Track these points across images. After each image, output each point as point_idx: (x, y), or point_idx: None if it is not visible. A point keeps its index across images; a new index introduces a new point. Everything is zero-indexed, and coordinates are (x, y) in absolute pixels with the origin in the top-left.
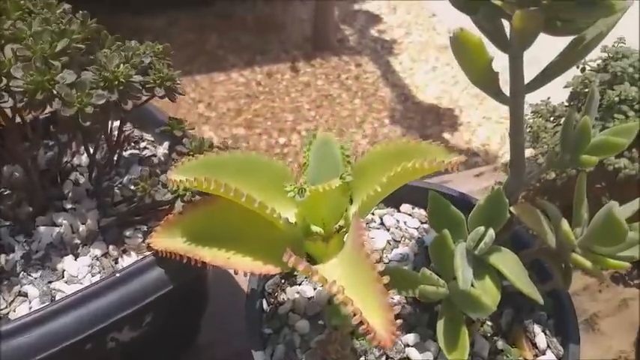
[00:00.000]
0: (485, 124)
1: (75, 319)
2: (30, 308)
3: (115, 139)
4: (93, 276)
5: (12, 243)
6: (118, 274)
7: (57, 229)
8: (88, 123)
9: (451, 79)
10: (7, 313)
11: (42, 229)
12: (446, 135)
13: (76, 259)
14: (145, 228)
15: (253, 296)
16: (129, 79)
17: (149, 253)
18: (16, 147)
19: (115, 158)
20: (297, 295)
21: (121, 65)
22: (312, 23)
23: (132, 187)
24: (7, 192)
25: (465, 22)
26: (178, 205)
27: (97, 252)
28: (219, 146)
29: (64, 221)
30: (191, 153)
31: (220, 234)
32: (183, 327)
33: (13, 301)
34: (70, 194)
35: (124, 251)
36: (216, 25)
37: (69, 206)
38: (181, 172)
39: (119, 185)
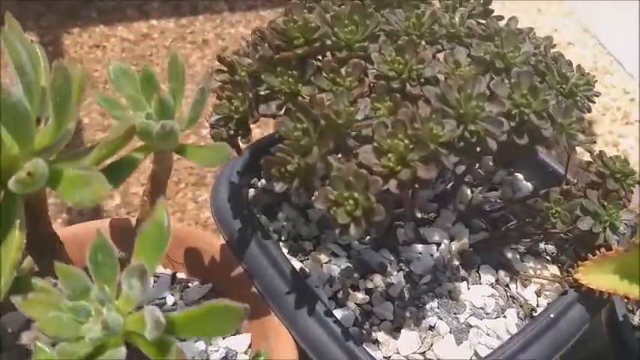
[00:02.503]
0: None
1: None
2: (449, 348)
3: None
4: (503, 310)
5: (381, 260)
6: (551, 315)
7: (433, 248)
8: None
9: None
10: (424, 352)
11: (419, 247)
12: None
13: (468, 287)
14: (521, 248)
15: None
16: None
17: (567, 287)
18: None
19: None
20: None
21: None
22: None
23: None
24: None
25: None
26: (610, 237)
27: (490, 278)
28: None
29: (445, 241)
30: (617, 175)
31: None
32: None
33: (425, 337)
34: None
35: (526, 280)
36: None
37: (419, 216)
38: None
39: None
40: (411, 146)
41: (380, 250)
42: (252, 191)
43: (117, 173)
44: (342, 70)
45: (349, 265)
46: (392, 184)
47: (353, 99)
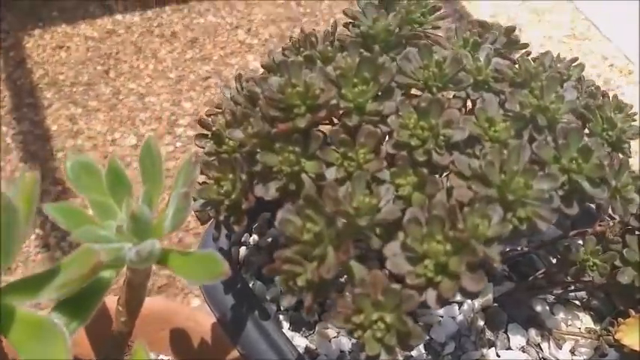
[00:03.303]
0: (547, 44)
1: None
2: None
3: None
4: None
5: None
6: None
7: (455, 308)
8: None
9: None
10: None
11: (441, 309)
12: None
13: (497, 353)
14: (550, 298)
15: None
16: None
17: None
18: None
19: None
20: None
21: None
22: None
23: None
24: None
25: None
26: None
27: (520, 340)
28: None
29: (468, 300)
30: None
31: None
32: None
33: None
34: None
35: (559, 339)
36: None
37: None
38: None
39: None
40: (452, 250)
41: None
42: (243, 250)
43: (83, 306)
44: (353, 139)
45: None
46: (430, 298)
47: (370, 176)
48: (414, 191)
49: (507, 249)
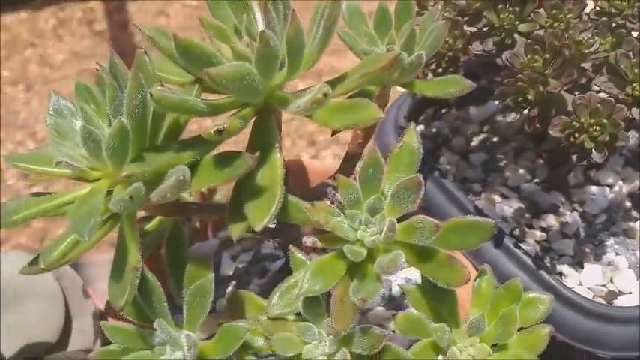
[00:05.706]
0: None
1: None
2: (629, 281)
3: None
4: None
5: (554, 202)
6: None
7: (607, 190)
8: None
9: None
10: (604, 285)
11: (593, 189)
12: None
13: None
14: None
15: None
16: None
17: None
18: None
19: None
20: None
21: None
22: None
23: None
24: None
25: None
26: None
27: None
28: None
29: (619, 182)
30: None
31: None
32: None
33: (605, 271)
34: None
35: None
36: None
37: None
38: None
39: None
40: None
41: (550, 193)
42: None
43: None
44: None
45: (521, 205)
46: (635, 113)
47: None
48: (611, 50)
49: None
